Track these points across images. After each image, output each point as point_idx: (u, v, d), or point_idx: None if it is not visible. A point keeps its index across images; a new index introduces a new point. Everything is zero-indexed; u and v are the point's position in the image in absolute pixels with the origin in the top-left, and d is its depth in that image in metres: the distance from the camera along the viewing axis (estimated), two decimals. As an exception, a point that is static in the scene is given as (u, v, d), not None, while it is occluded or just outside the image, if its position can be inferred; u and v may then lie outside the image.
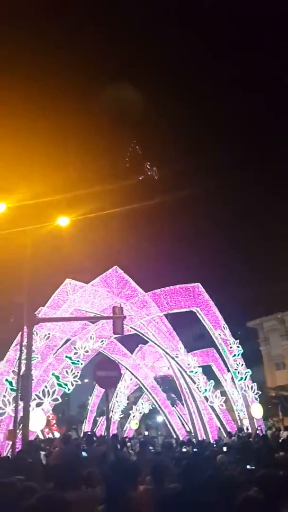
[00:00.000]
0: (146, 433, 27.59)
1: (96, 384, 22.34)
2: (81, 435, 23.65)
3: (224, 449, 8.82)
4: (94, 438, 12.26)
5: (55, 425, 29.22)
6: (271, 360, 41.95)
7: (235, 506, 2.99)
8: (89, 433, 15.74)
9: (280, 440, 9.62)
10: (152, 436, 24.67)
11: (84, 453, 7.40)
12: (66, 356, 18.33)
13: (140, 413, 27.29)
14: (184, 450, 9.40)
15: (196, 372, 20.86)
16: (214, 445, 10.39)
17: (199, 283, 23.01)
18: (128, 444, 12.77)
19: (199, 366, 22.25)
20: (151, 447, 12.06)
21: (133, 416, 26.58)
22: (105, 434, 12.20)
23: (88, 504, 4.64)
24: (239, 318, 42.39)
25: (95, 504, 4.50)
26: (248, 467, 5.07)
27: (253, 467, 5.04)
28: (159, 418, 27.40)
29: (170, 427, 23.11)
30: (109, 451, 9.33)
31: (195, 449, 9.31)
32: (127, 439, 17.65)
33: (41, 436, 21.79)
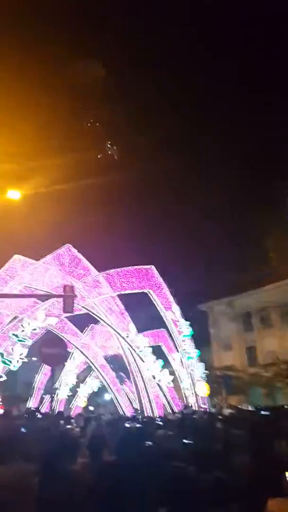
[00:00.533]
0: (92, 408, 27.79)
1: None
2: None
3: (166, 424, 9.02)
4: (39, 415, 12.11)
5: (1, 403, 28.71)
6: (219, 342, 43.53)
7: (164, 477, 3.00)
8: (32, 409, 15.55)
9: (220, 417, 9.97)
10: (99, 413, 24.93)
11: (23, 429, 7.28)
12: (13, 334, 17.88)
13: (89, 391, 27.40)
14: (127, 425, 9.49)
15: (145, 352, 21.14)
16: (159, 421, 10.60)
17: (152, 265, 23.18)
18: (73, 420, 12.75)
19: (149, 346, 22.59)
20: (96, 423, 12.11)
21: (81, 394, 26.64)
22: (50, 411, 12.15)
23: (24, 478, 4.62)
24: (191, 301, 43.50)
25: (32, 477, 4.49)
26: (185, 441, 5.17)
27: (190, 442, 5.15)
28: (107, 396, 27.67)
29: (117, 405, 23.41)
30: (51, 427, 9.25)
31: (138, 425, 9.42)
32: (73, 416, 17.67)
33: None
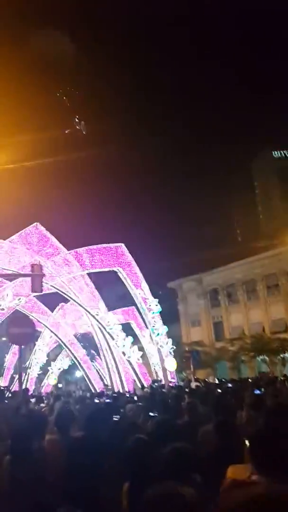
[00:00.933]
0: (60, 385, 28.07)
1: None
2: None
3: (135, 398, 9.31)
4: (9, 394, 12.15)
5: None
6: (187, 318, 44.54)
7: (126, 450, 3.14)
8: (1, 388, 15.57)
9: (187, 390, 10.36)
10: (70, 390, 25.26)
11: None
12: (-19, 314, 17.65)
13: (59, 369, 27.59)
14: (96, 401, 9.72)
15: (115, 329, 21.40)
16: (127, 396, 10.90)
17: (122, 244, 23.19)
18: (44, 398, 12.90)
19: (120, 324, 22.86)
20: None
21: (51, 372, 26.80)
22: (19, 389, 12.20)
23: None
24: (160, 279, 44.08)
25: (1, 456, 4.56)
26: (151, 414, 5.39)
27: (156, 414, 5.38)
28: (78, 374, 27.97)
29: (88, 382, 23.75)
30: (20, 405, 9.33)
31: (108, 400, 9.66)
32: (44, 394, 17.82)
33: None
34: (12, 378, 26.83)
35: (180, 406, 6.39)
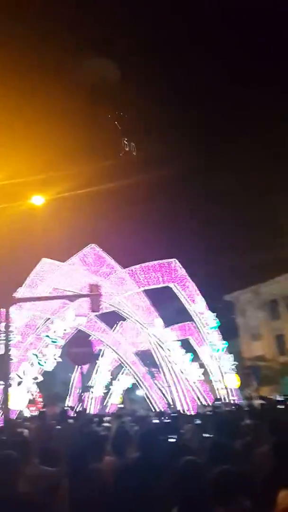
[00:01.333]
0: (122, 405, 28.26)
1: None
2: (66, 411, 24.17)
3: (195, 418, 9.26)
4: (73, 414, 12.58)
5: (42, 403, 29.69)
6: (247, 332, 43.25)
7: (176, 471, 3.16)
8: (65, 408, 16.14)
9: (247, 409, 10.10)
10: (134, 409, 25.42)
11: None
12: (45, 335, 18.52)
13: (123, 388, 27.90)
14: (155, 421, 9.79)
15: (173, 346, 21.41)
16: (187, 416, 10.85)
17: (175, 259, 23.33)
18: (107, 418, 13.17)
19: (178, 340, 22.82)
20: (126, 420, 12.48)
21: (113, 392, 27.17)
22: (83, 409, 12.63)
23: (54, 479, 4.81)
24: (217, 292, 43.40)
25: (61, 479, 4.71)
26: (205, 435, 5.38)
27: (211, 435, 5.36)
28: (140, 392, 28.11)
29: (149, 401, 23.80)
30: (83, 426, 9.63)
31: (167, 420, 9.70)
32: (108, 414, 18.16)
33: (27, 414, 22.23)
34: (80, 397, 27.50)
35: (239, 427, 6.31)
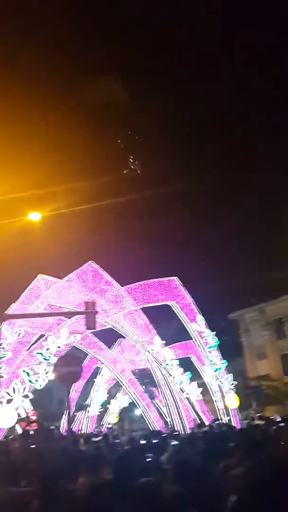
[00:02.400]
0: (110, 426, 27.56)
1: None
2: (62, 430, 23.65)
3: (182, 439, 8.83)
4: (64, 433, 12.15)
5: (36, 422, 29.09)
6: (252, 351, 42.43)
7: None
8: (51, 428, 15.71)
9: (241, 428, 9.62)
10: (132, 429, 24.79)
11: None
12: (37, 352, 18.15)
13: (119, 407, 27.29)
14: (143, 442, 9.37)
15: (172, 365, 20.90)
16: (175, 436, 10.40)
17: (176, 277, 22.97)
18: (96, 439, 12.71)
19: (179, 359, 22.32)
20: (117, 440, 12.04)
21: (111, 411, 26.57)
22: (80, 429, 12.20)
23: (18, 500, 4.74)
24: (221, 310, 42.85)
25: (28, 499, 4.58)
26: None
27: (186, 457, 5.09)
28: (137, 412, 27.46)
29: (147, 420, 23.16)
30: (67, 446, 9.28)
31: (155, 441, 9.27)
32: (102, 433, 17.63)
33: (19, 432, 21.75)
34: (73, 416, 26.95)
35: (220, 448, 5.96)
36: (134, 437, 11.33)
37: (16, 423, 20.87)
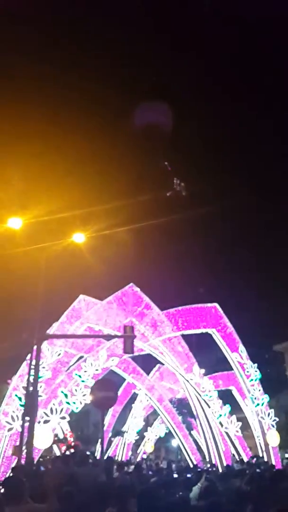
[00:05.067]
0: (145, 456, 26.72)
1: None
2: (97, 455, 23.33)
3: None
4: (90, 460, 11.95)
5: (72, 443, 28.98)
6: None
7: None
8: (87, 453, 15.47)
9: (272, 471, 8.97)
10: (170, 460, 24.00)
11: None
12: (76, 374, 18.19)
13: (156, 436, 26.58)
14: (175, 476, 9.01)
15: (211, 396, 20.19)
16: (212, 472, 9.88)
17: (216, 304, 22.45)
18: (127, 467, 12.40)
19: (219, 390, 21.57)
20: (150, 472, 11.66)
21: (148, 439, 25.91)
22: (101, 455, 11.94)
23: None
24: (266, 341, 41.11)
25: None
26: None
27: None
28: (174, 442, 26.60)
29: (184, 452, 22.36)
30: (101, 473, 9.11)
31: (189, 475, 8.89)
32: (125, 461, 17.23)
33: (58, 454, 21.78)
34: (109, 441, 26.58)
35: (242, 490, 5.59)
36: (168, 468, 10.92)
37: (53, 443, 20.93)
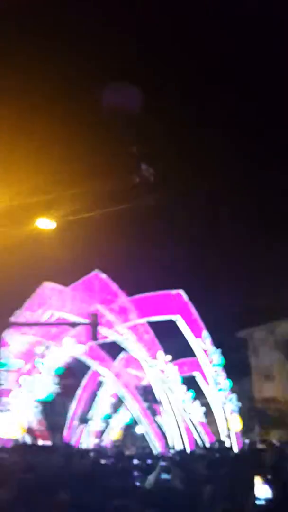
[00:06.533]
0: (102, 444, 26.84)
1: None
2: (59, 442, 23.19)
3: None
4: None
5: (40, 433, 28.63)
6: (259, 372, 41.36)
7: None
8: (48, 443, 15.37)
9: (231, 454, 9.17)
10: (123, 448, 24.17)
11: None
12: (39, 362, 17.93)
13: (122, 423, 26.71)
14: (135, 462, 9.02)
15: (174, 382, 20.43)
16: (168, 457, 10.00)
17: (181, 289, 22.56)
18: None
19: (183, 376, 21.82)
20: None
21: (113, 426, 26.00)
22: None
23: None
24: (229, 328, 41.92)
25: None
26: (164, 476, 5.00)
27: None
28: (140, 429, 26.86)
29: (149, 439, 22.60)
30: (59, 458, 9.01)
31: (149, 461, 8.92)
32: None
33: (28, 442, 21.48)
34: (74, 429, 26.44)
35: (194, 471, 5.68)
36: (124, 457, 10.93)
37: (27, 433, 20.50)
